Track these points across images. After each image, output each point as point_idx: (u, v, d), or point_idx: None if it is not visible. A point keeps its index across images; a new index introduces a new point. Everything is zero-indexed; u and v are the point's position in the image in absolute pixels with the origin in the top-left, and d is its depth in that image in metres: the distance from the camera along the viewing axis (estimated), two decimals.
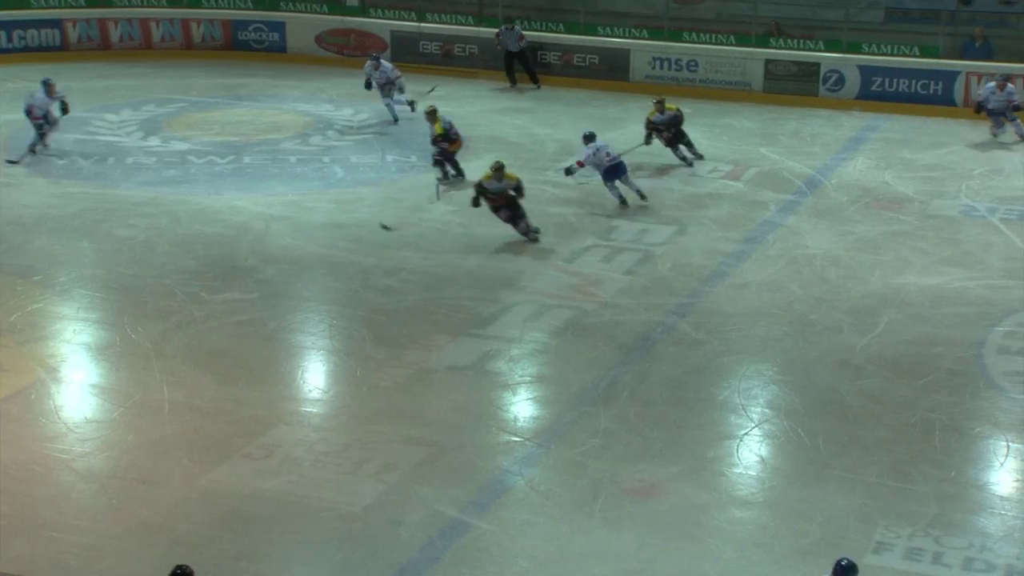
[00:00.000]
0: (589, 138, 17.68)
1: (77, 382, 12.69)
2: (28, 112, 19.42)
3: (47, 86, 19.44)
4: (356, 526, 10.10)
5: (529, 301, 14.53)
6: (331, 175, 19.12)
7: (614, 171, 17.49)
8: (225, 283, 14.89)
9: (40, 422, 11.80)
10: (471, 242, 16.29)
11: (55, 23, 25.77)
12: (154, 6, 26.60)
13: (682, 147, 19.34)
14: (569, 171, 17.78)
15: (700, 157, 19.43)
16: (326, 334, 13.82)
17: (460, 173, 18.44)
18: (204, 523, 10.12)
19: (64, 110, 19.69)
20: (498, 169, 15.78)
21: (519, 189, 15.84)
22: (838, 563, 8.04)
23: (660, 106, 19.05)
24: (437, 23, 25.84)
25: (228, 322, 13.86)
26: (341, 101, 23.30)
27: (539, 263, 15.52)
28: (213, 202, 17.79)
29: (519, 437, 11.65)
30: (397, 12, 26.20)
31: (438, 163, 18.48)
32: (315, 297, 15.00)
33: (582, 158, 17.55)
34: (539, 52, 25.11)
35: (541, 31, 25.38)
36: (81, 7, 26.06)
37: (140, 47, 26.49)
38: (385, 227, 15.89)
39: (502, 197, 15.80)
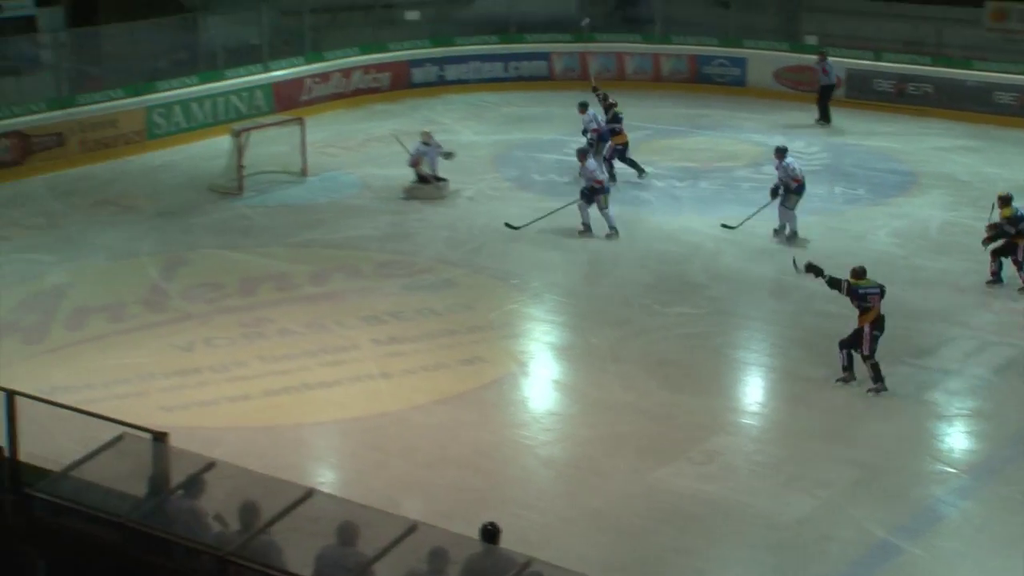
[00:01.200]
0: (784, 151, 16.86)
1: (542, 377, 13.19)
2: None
3: None
4: (788, 536, 9.87)
5: (970, 336, 13.74)
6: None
7: (802, 189, 16.46)
8: (677, 297, 14.98)
9: (510, 410, 12.35)
10: (913, 274, 15.61)
11: (544, 56, 26.73)
12: (630, 42, 27.04)
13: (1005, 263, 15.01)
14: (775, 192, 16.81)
15: None
16: (767, 352, 13.67)
17: (639, 170, 18.99)
18: (647, 517, 10.19)
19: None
20: (857, 273, 12.59)
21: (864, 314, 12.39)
22: None
23: (1003, 202, 15.04)
24: (892, 62, 24.74)
25: (678, 334, 13.95)
26: (795, 134, 22.71)
27: (983, 300, 14.65)
28: (670, 222, 17.92)
29: (953, 468, 11.05)
30: (853, 51, 25.22)
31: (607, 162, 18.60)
32: (759, 317, 14.80)
33: (790, 171, 16.58)
34: (994, 92, 23.64)
35: (998, 72, 23.83)
36: (567, 42, 26.85)
37: (615, 78, 26.78)
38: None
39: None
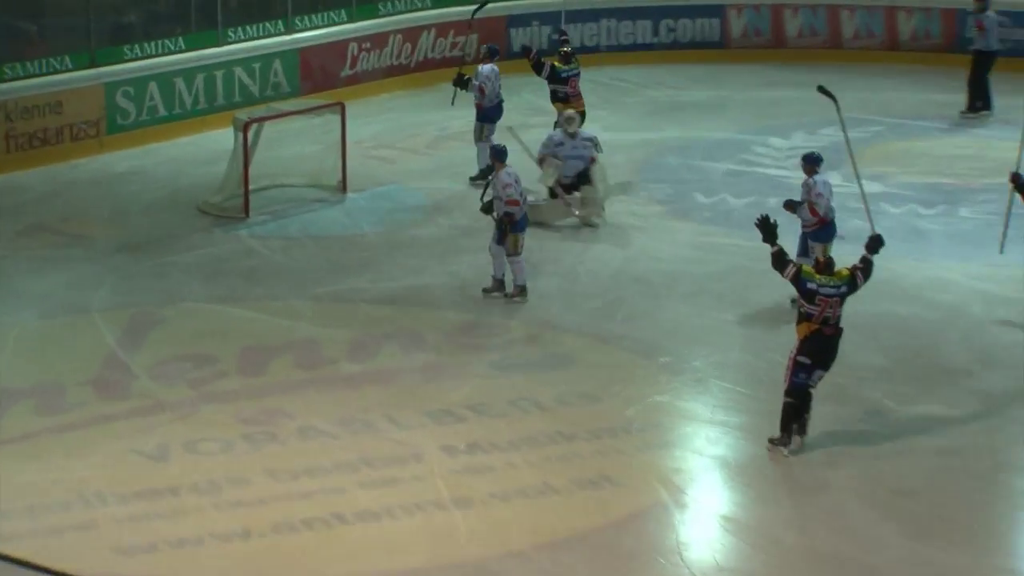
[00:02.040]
0: (816, 161, 16.64)
1: (708, 511, 12.97)
2: None
3: None
4: None
5: None
6: None
7: (829, 232, 16.43)
8: (922, 389, 14.79)
9: (658, 563, 12.06)
10: None
11: (716, 11, 26.95)
12: None
13: None
14: (791, 205, 16.65)
15: None
16: None
17: None
18: None
19: None
20: (821, 266, 13.60)
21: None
22: None
23: None
24: None
25: (922, 447, 13.72)
26: None
27: None
28: (912, 270, 17.80)
29: None
30: None
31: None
32: None
33: (814, 195, 16.34)
34: None
35: None
36: None
37: (825, 45, 27.18)
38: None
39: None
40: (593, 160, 19.25)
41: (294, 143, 20.21)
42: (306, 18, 24.16)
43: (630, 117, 23.54)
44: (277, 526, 12.36)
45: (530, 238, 18.37)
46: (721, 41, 26.83)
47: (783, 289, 16.69)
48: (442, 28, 25.63)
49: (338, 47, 24.44)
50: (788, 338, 15.36)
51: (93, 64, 21.88)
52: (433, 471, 13.29)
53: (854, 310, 16.04)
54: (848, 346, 15.36)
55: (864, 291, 16.44)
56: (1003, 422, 14.33)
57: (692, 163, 21.59)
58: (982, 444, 13.85)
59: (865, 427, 14.13)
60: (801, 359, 13.12)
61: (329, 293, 17.23)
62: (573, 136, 18.83)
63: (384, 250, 18.52)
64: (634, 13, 26.69)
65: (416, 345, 15.87)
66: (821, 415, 14.21)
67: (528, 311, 16.74)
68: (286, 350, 15.68)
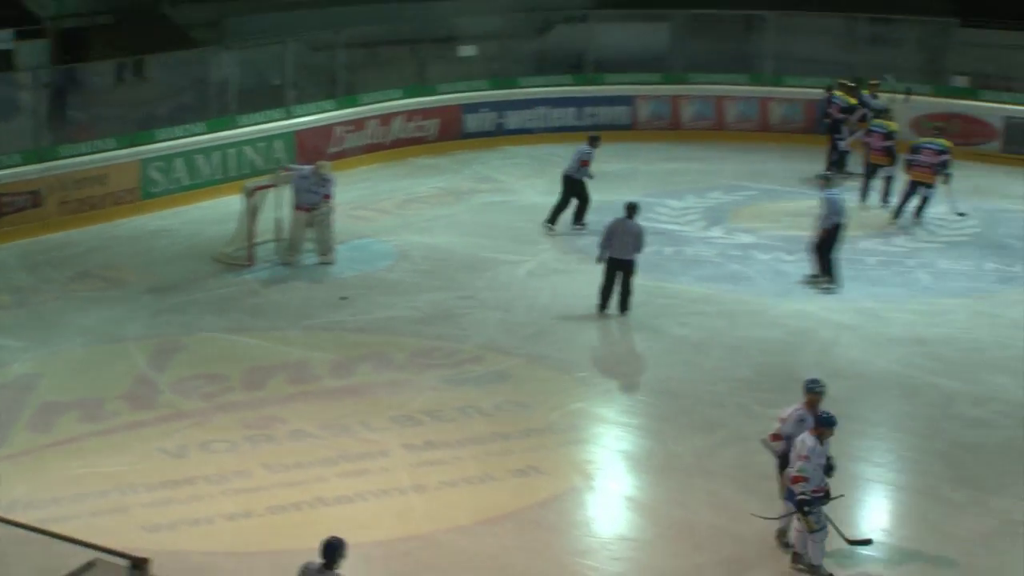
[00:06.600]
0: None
1: (612, 493, 13.01)
2: None
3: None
4: None
5: None
6: (914, 282, 18.55)
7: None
8: (782, 396, 14.35)
9: (572, 533, 12.15)
10: None
11: (627, 100, 26.78)
12: (733, 83, 27.04)
13: None
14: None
15: None
16: (895, 466, 13.45)
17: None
18: None
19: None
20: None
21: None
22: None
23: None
24: None
25: None
26: (939, 198, 21.71)
27: None
28: (775, 304, 17.81)
29: None
30: (1016, 95, 24.99)
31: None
32: (885, 422, 14.54)
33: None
34: None
35: None
36: (656, 83, 27.02)
37: (712, 127, 26.96)
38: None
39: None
40: (327, 198, 19.11)
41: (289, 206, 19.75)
42: (301, 106, 24.02)
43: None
44: (272, 508, 12.30)
45: (473, 282, 18.34)
46: (630, 124, 26.68)
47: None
48: (410, 114, 25.30)
49: (327, 129, 24.27)
50: (677, 358, 15.91)
51: (132, 144, 21.74)
52: (396, 464, 13.20)
53: (728, 334, 16.40)
54: (721, 362, 15.69)
55: (737, 319, 17.04)
56: (844, 421, 13.70)
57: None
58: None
59: (737, 426, 14.09)
60: None
61: (316, 324, 16.99)
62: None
63: (361, 290, 18.26)
64: (563, 102, 26.46)
65: (385, 364, 15.74)
66: (701, 418, 14.32)
67: (471, 337, 16.49)
68: (281, 369, 15.49)
